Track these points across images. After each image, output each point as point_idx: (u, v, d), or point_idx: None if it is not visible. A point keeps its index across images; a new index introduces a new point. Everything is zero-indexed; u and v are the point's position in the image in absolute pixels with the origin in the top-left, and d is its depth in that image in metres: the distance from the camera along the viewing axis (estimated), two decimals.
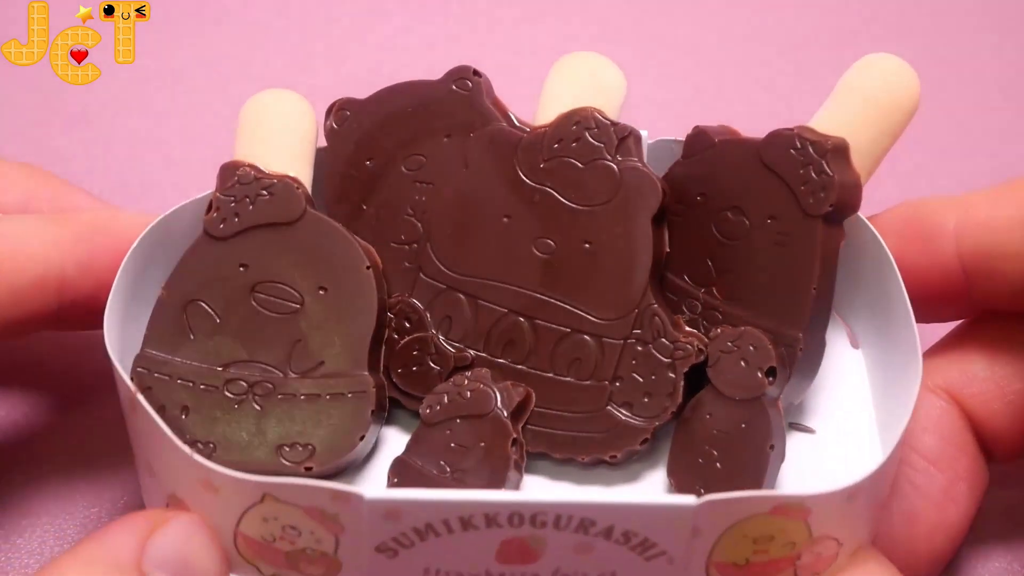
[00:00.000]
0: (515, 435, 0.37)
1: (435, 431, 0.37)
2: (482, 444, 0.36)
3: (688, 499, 0.32)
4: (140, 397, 0.34)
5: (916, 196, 0.41)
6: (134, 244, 0.38)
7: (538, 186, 0.39)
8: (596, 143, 0.39)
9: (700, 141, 0.40)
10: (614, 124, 0.39)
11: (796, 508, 0.33)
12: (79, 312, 0.39)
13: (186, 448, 0.33)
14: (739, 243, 0.39)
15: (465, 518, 0.32)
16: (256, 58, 0.59)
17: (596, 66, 0.41)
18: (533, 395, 0.38)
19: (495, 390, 0.37)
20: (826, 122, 0.39)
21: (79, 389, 0.45)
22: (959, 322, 0.42)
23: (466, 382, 0.37)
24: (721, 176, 0.39)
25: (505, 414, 0.37)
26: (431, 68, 0.41)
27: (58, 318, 0.39)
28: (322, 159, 0.41)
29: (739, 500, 0.33)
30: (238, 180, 0.38)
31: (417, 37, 0.60)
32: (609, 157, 0.39)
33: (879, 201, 0.42)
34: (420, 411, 0.37)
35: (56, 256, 0.38)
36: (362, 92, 0.41)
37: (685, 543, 0.33)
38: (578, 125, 0.39)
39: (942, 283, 0.40)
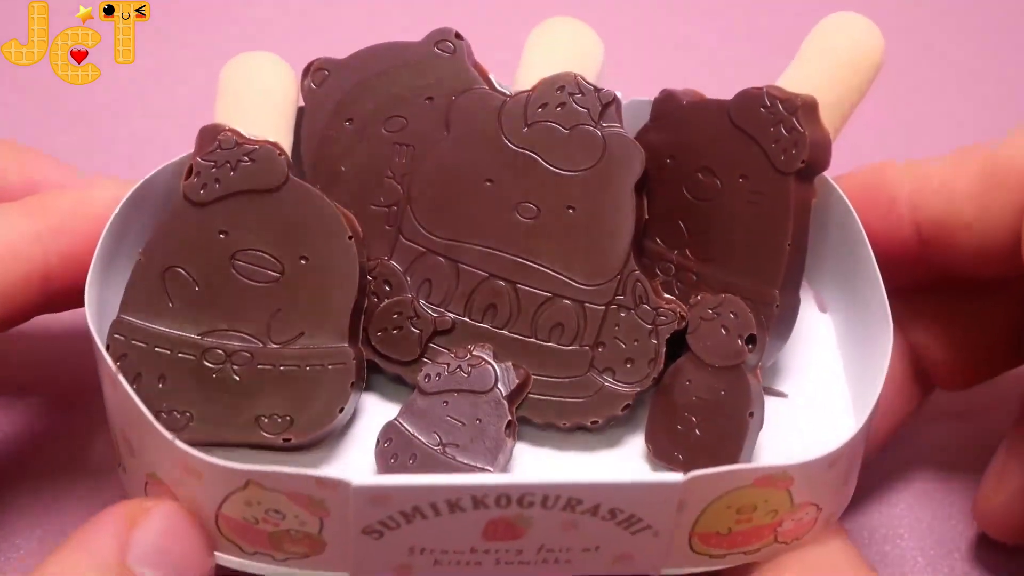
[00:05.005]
0: (510, 417, 0.37)
1: (432, 401, 0.37)
2: (478, 421, 0.36)
3: (675, 476, 0.33)
4: (121, 378, 0.34)
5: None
6: (112, 214, 0.37)
7: (521, 150, 0.39)
8: (580, 108, 0.39)
9: (668, 104, 0.40)
10: (598, 90, 0.39)
11: (779, 478, 0.34)
12: (65, 298, 0.38)
13: (168, 434, 0.33)
14: (711, 203, 0.39)
15: (452, 501, 0.32)
16: None
17: (575, 32, 0.41)
18: (531, 378, 0.38)
19: (496, 369, 0.37)
20: (793, 81, 0.39)
21: (76, 386, 0.45)
22: None
23: (469, 356, 0.37)
24: (691, 138, 0.39)
25: (504, 393, 0.37)
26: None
27: (44, 307, 0.39)
28: (300, 120, 0.40)
29: (724, 474, 0.33)
30: (219, 145, 0.37)
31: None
32: (593, 123, 0.38)
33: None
34: (418, 379, 0.37)
35: (39, 251, 0.37)
36: None
37: (670, 517, 0.34)
38: (562, 90, 0.39)
39: (898, 249, 0.40)
